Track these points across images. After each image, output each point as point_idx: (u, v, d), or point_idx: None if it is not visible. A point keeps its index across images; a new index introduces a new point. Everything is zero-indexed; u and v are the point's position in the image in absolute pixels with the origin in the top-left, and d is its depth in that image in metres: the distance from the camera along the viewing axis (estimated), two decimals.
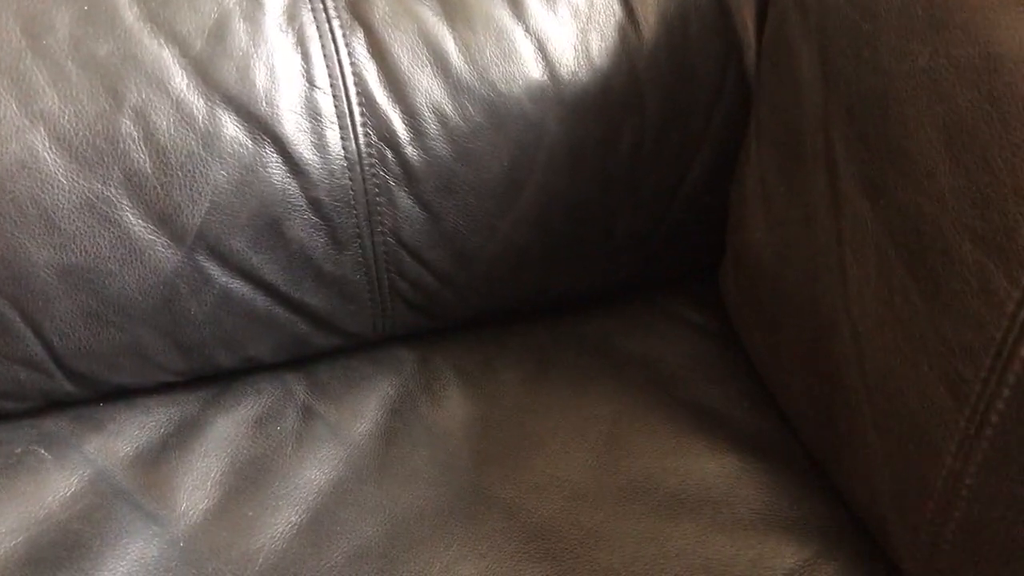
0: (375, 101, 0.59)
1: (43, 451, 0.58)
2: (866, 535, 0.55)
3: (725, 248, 0.69)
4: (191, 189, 0.55)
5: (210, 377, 0.63)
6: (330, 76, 0.58)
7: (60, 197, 0.53)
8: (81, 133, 0.53)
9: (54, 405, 0.61)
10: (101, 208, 0.54)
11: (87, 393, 0.61)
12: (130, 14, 0.54)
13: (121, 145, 0.54)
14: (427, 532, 0.55)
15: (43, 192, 0.53)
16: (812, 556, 0.54)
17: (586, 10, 0.62)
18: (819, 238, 0.56)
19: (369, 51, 0.58)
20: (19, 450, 0.58)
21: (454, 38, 0.59)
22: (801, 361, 0.59)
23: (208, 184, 0.55)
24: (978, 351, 0.43)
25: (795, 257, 0.59)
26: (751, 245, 0.65)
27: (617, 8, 0.62)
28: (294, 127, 0.57)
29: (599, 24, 0.62)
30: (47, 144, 0.53)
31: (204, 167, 0.55)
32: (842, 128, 0.53)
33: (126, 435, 0.60)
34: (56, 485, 0.56)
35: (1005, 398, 0.43)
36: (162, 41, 0.55)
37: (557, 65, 0.61)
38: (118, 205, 0.54)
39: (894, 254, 0.48)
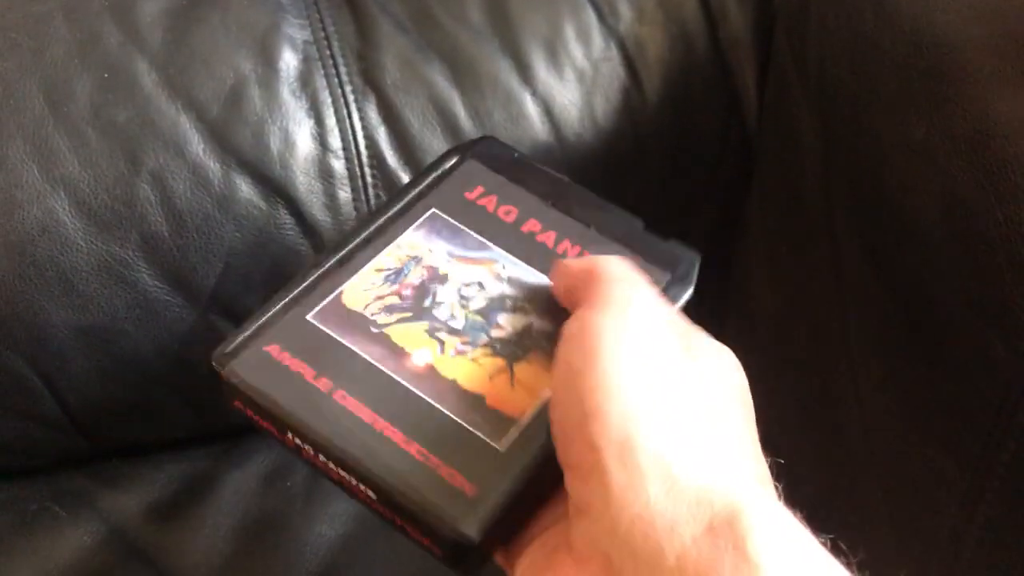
0: (386, 163, 0.60)
1: (57, 508, 0.59)
2: None
3: (728, 303, 0.70)
4: (207, 251, 0.56)
5: (222, 433, 0.64)
6: (342, 139, 0.59)
7: (79, 260, 0.55)
8: (100, 197, 0.55)
9: (68, 461, 0.62)
10: (118, 270, 0.55)
11: (101, 449, 0.62)
12: (148, 81, 0.56)
13: (139, 208, 0.55)
14: None
15: (63, 255, 0.54)
16: None
17: (591, 73, 0.63)
18: (822, 298, 0.57)
19: (380, 115, 0.60)
20: (34, 507, 0.59)
21: (463, 102, 0.61)
22: (804, 416, 0.60)
23: (223, 246, 0.57)
24: (977, 416, 0.45)
25: (798, 318, 0.60)
26: (755, 300, 0.66)
27: (621, 71, 0.64)
28: (307, 189, 0.58)
29: (604, 87, 0.63)
30: (67, 208, 0.54)
31: (220, 229, 0.56)
32: (842, 193, 0.54)
33: (139, 491, 0.61)
34: (70, 542, 0.57)
35: (1004, 463, 0.44)
36: (179, 107, 0.56)
37: (563, 127, 0.62)
38: (135, 267, 0.56)
39: (895, 319, 0.49)
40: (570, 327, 0.33)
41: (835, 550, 0.27)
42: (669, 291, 0.41)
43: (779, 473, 0.33)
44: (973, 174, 0.44)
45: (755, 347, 0.67)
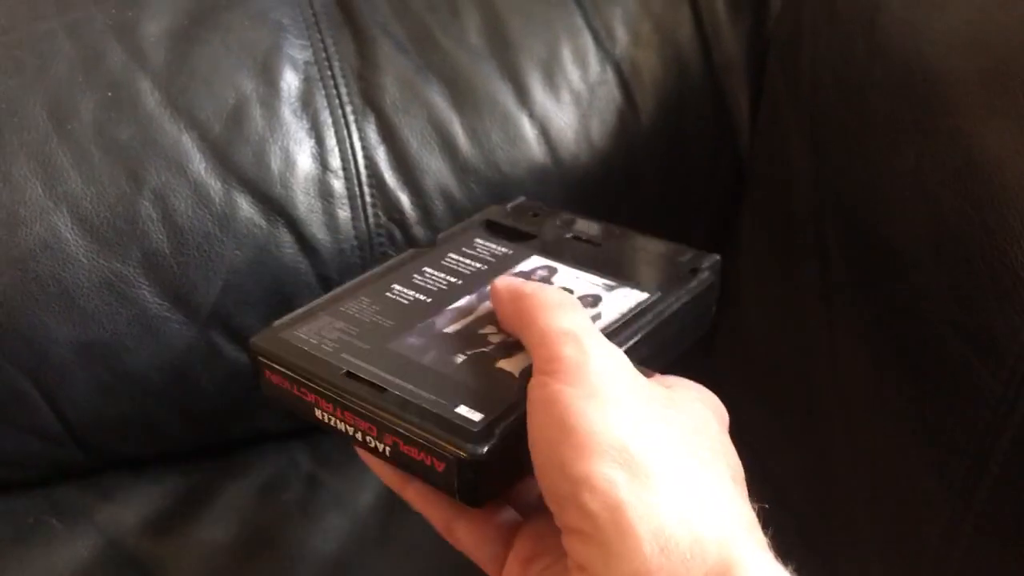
0: (385, 183, 0.61)
1: (54, 520, 0.59)
2: None
3: (717, 322, 0.71)
4: (207, 268, 0.57)
5: (218, 446, 0.65)
6: (342, 159, 0.60)
7: (80, 276, 0.55)
8: (102, 214, 0.55)
9: (66, 474, 0.62)
10: (119, 287, 0.56)
11: (98, 462, 0.62)
12: (151, 100, 0.57)
13: (140, 226, 0.56)
14: None
15: (64, 271, 0.55)
16: None
17: (587, 96, 0.64)
18: (811, 320, 0.58)
19: (380, 135, 0.61)
20: (30, 519, 0.59)
21: (461, 123, 0.62)
22: (793, 437, 0.61)
23: (223, 264, 0.57)
24: (961, 440, 0.45)
25: (788, 336, 0.61)
26: (744, 320, 0.67)
27: (617, 94, 0.65)
28: (307, 208, 0.59)
29: (599, 110, 0.64)
30: (69, 225, 0.55)
31: (220, 247, 0.57)
32: (831, 216, 0.55)
33: (136, 504, 0.61)
34: (67, 555, 0.58)
35: (987, 485, 0.45)
36: (181, 126, 0.57)
37: (559, 148, 0.63)
38: (136, 284, 0.56)
39: (883, 343, 0.50)
40: (535, 393, 0.33)
41: None
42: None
43: (766, 521, 0.33)
44: (960, 203, 0.45)
45: (744, 365, 0.67)
